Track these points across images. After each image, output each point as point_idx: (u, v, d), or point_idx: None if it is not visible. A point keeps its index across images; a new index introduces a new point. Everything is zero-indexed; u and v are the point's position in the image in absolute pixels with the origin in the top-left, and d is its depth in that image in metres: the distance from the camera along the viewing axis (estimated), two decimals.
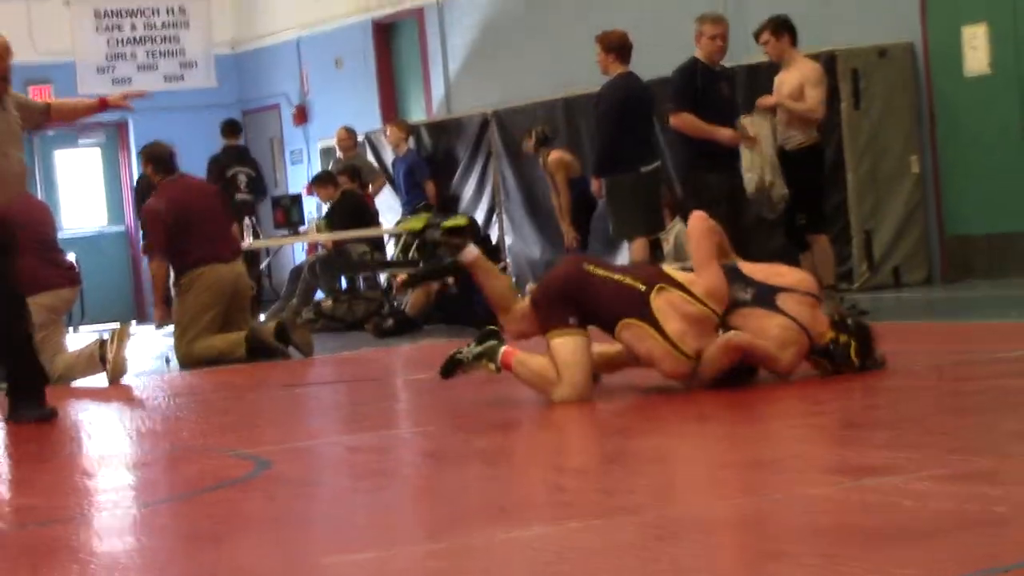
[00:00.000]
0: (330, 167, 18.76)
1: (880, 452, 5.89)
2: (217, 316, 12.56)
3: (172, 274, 12.91)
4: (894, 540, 4.36)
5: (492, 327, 8.08)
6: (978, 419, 6.56)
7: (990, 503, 4.71)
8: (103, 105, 10.19)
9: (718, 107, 11.66)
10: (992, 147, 13.74)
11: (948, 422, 6.56)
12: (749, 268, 8.00)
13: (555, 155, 15.05)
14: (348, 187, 17.33)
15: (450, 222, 8.13)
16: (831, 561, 4.17)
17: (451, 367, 8.02)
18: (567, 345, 7.74)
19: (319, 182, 17.72)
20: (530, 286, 8.24)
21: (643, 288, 7.74)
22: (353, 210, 17.15)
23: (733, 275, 7.87)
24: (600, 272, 7.87)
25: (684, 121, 11.57)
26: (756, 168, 11.64)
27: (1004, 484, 5.05)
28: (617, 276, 7.86)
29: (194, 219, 12.56)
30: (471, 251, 8.08)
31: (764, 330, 7.74)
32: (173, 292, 13.27)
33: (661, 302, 7.70)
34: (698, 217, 8.08)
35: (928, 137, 14.45)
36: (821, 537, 4.51)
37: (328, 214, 17.37)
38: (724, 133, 11.56)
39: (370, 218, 17.37)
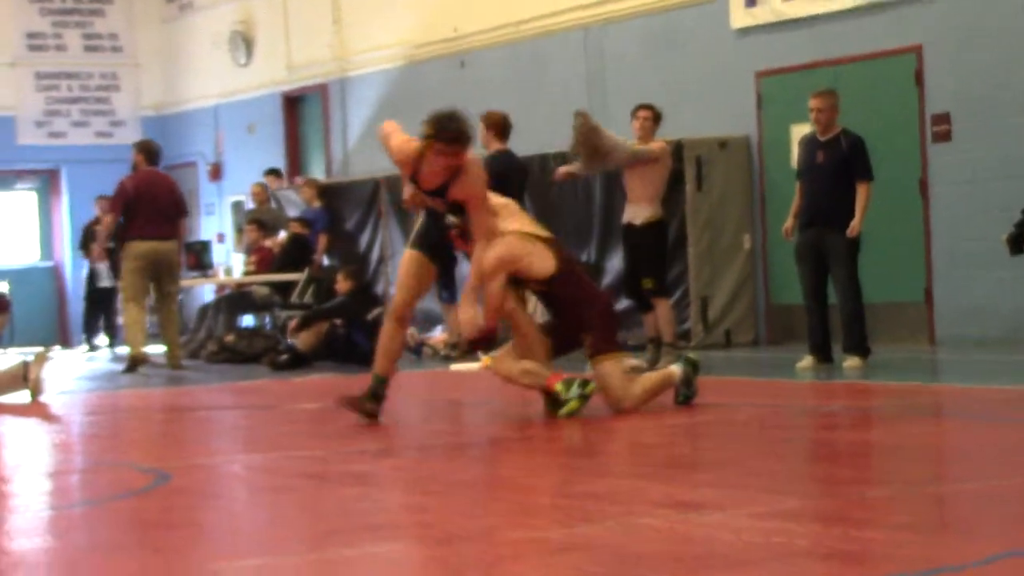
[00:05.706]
0: (244, 217, 18.62)
1: (703, 490, 5.94)
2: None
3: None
4: (710, 567, 4.39)
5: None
6: (789, 464, 6.62)
7: (793, 537, 4.75)
8: None
9: None
10: None
11: (763, 466, 6.57)
12: None
13: None
14: (298, 232, 17.18)
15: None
16: None
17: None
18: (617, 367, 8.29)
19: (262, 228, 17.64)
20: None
21: None
22: (299, 253, 17.01)
23: None
24: None
25: None
26: None
27: (806, 522, 5.11)
28: None
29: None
30: None
31: None
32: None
33: None
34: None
35: (759, 218, 14.62)
36: (646, 561, 4.52)
37: (279, 255, 17.14)
38: None
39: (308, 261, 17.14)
